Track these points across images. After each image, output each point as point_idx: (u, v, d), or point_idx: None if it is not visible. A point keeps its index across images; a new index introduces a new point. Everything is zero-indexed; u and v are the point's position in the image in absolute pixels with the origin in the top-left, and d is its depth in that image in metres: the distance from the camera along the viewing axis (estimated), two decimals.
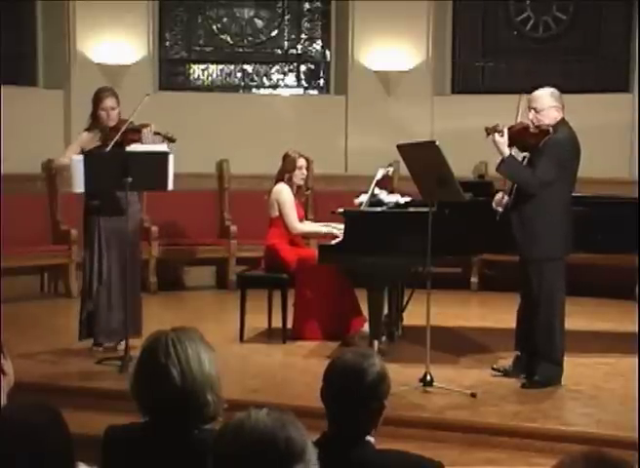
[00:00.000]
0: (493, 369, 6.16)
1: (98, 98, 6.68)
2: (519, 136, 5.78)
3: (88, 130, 6.75)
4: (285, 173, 7.35)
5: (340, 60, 10.40)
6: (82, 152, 6.51)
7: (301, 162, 7.38)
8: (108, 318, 6.63)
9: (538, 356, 5.94)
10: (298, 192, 7.44)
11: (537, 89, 5.93)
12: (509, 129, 5.78)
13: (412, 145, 6.20)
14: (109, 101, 6.64)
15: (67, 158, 6.58)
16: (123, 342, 6.38)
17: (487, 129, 5.78)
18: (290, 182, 7.35)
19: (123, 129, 6.49)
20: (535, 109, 5.78)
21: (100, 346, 6.72)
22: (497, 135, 5.73)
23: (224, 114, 9.93)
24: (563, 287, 5.92)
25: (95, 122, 6.70)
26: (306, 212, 8.48)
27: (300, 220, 7.43)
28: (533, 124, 5.78)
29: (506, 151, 5.75)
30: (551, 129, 5.76)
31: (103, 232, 6.61)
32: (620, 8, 9.96)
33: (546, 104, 5.78)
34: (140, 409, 2.61)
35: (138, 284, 6.80)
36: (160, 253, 9.41)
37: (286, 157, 7.39)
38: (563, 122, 5.82)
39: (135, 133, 6.55)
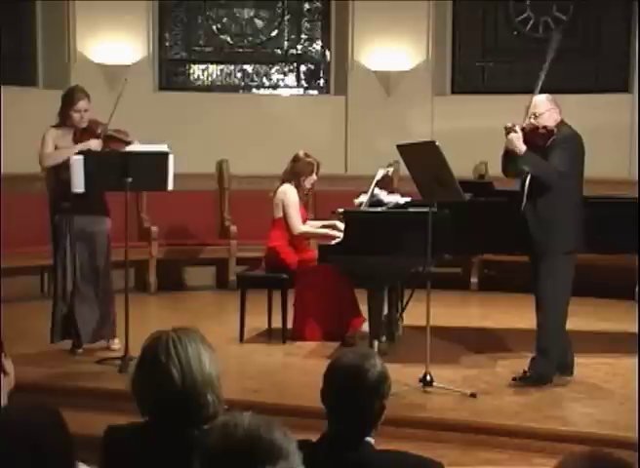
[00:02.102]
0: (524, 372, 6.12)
1: (71, 99, 6.59)
2: (530, 136, 5.87)
3: (56, 127, 6.67)
4: (299, 175, 7.31)
5: (339, 60, 10.40)
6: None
7: (315, 167, 7.38)
8: (87, 318, 6.64)
9: (536, 351, 5.96)
10: (303, 194, 7.44)
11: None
12: (522, 129, 5.87)
13: (412, 145, 6.19)
14: (83, 104, 6.56)
15: (59, 153, 6.54)
16: (101, 342, 6.71)
17: (506, 128, 5.86)
18: (300, 185, 7.33)
19: (101, 134, 6.46)
20: (534, 114, 5.90)
21: (80, 347, 6.72)
22: (512, 132, 5.81)
23: (224, 114, 9.93)
24: (570, 285, 5.94)
25: (65, 121, 6.63)
26: (307, 212, 8.48)
27: (304, 222, 7.43)
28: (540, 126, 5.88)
29: (523, 146, 5.82)
30: (556, 129, 5.88)
31: (74, 232, 6.59)
32: (620, 8, 9.96)
33: (544, 108, 5.90)
34: (140, 408, 2.61)
35: (110, 284, 6.72)
36: (160, 254, 9.41)
37: (298, 159, 7.36)
38: (563, 123, 5.96)
39: (117, 142, 6.50)
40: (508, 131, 5.84)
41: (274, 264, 7.25)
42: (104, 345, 6.75)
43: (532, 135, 5.88)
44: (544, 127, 5.88)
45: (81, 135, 6.58)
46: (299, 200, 7.34)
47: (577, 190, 5.96)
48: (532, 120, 5.90)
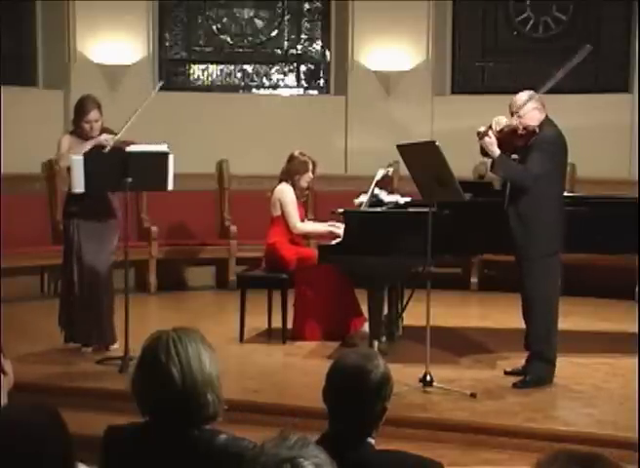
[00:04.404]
0: (506, 373, 6.12)
1: (82, 110, 6.61)
2: (508, 139, 5.84)
3: (71, 134, 6.72)
4: (294, 174, 7.33)
5: (339, 60, 10.40)
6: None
7: (311, 165, 7.40)
8: (85, 321, 6.65)
9: (531, 355, 5.96)
10: (300, 193, 7.45)
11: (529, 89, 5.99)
12: (499, 131, 5.84)
13: (412, 145, 6.20)
14: (93, 114, 6.58)
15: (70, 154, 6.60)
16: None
17: (478, 133, 5.84)
18: (296, 184, 7.35)
19: (109, 146, 6.44)
20: (517, 114, 5.85)
21: (89, 347, 6.73)
22: (485, 137, 5.78)
23: (224, 114, 9.93)
24: (558, 286, 5.93)
25: (78, 130, 6.67)
26: (306, 212, 8.48)
27: (301, 221, 7.44)
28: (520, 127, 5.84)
29: (497, 151, 5.81)
30: (537, 129, 5.83)
31: (82, 235, 6.60)
32: (620, 8, 9.96)
33: (527, 108, 5.84)
34: (140, 408, 2.61)
35: (110, 289, 6.69)
36: (160, 254, 9.41)
37: (293, 158, 7.39)
38: (547, 120, 5.89)
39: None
40: (482, 136, 5.81)
41: (274, 261, 7.26)
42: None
43: (510, 136, 5.84)
44: (525, 128, 5.82)
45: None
46: (296, 199, 7.36)
47: (559, 192, 5.90)
48: (514, 121, 5.84)
